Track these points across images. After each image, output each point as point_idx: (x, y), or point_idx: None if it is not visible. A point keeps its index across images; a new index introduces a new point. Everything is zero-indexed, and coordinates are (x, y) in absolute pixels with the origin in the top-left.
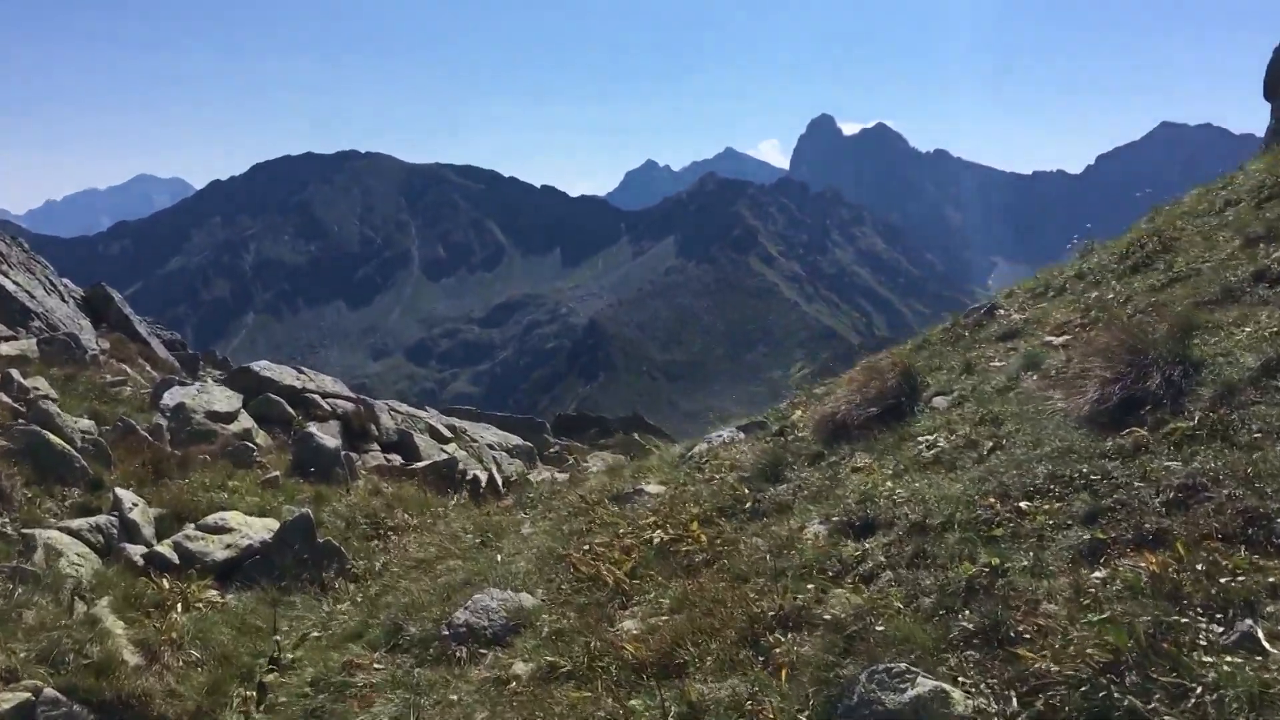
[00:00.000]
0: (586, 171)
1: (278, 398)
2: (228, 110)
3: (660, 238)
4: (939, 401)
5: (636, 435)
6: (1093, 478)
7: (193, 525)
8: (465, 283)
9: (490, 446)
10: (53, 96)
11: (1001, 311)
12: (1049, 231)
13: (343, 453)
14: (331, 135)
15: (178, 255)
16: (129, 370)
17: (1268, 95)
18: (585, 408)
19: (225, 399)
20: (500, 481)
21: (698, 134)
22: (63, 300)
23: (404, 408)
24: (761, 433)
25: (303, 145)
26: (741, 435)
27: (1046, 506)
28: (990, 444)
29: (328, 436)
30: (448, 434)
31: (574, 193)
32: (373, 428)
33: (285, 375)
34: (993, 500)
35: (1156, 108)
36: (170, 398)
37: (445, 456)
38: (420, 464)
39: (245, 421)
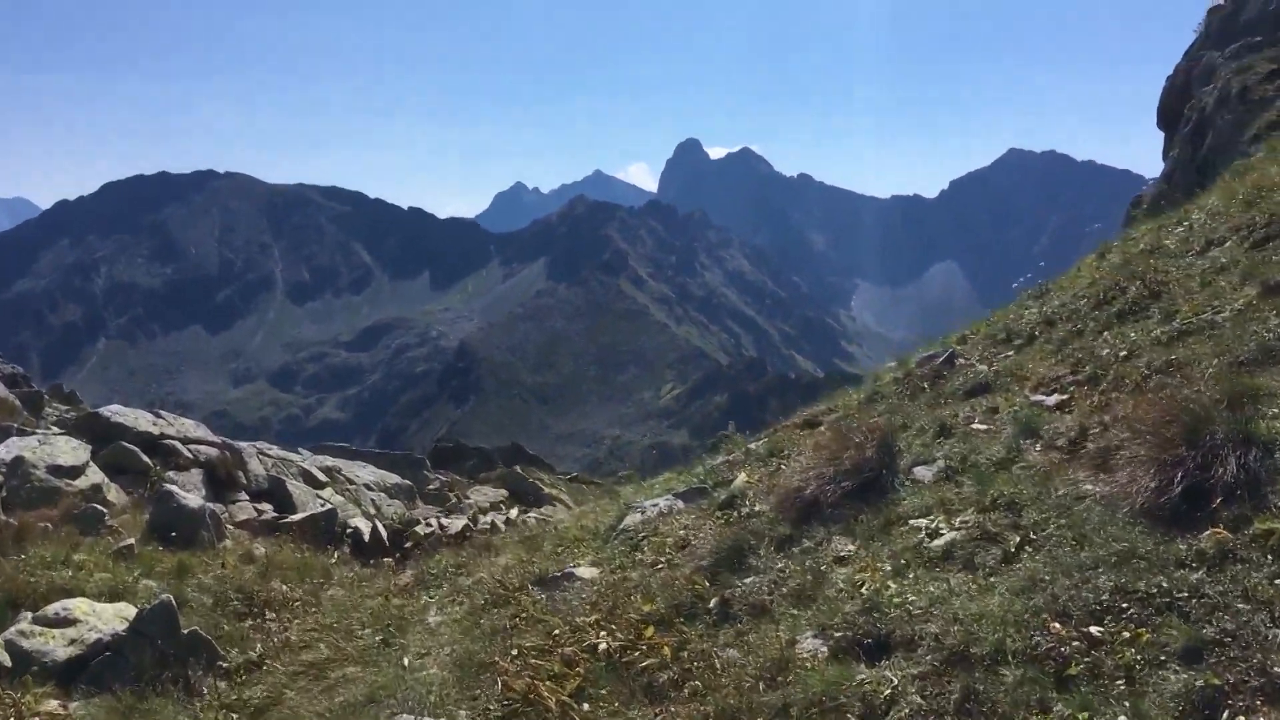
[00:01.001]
0: (455, 193)
1: (132, 446)
2: (75, 128)
3: (530, 260)
4: (921, 473)
5: (519, 468)
6: (1177, 594)
7: (29, 617)
8: (331, 306)
9: (368, 487)
10: None
11: (962, 360)
12: (908, 254)
13: (208, 510)
14: (188, 155)
15: (22, 278)
16: None
17: (1161, 125)
18: (457, 432)
19: (71, 450)
20: (384, 534)
21: (567, 156)
22: None
23: (274, 450)
24: (704, 502)
25: (157, 165)
26: (680, 504)
27: (1126, 634)
28: (1017, 539)
29: (190, 494)
30: (322, 477)
31: (442, 214)
32: (240, 475)
33: (140, 420)
34: (1051, 622)
35: (1005, 134)
36: (6, 451)
37: (323, 507)
38: (296, 516)
39: (95, 476)
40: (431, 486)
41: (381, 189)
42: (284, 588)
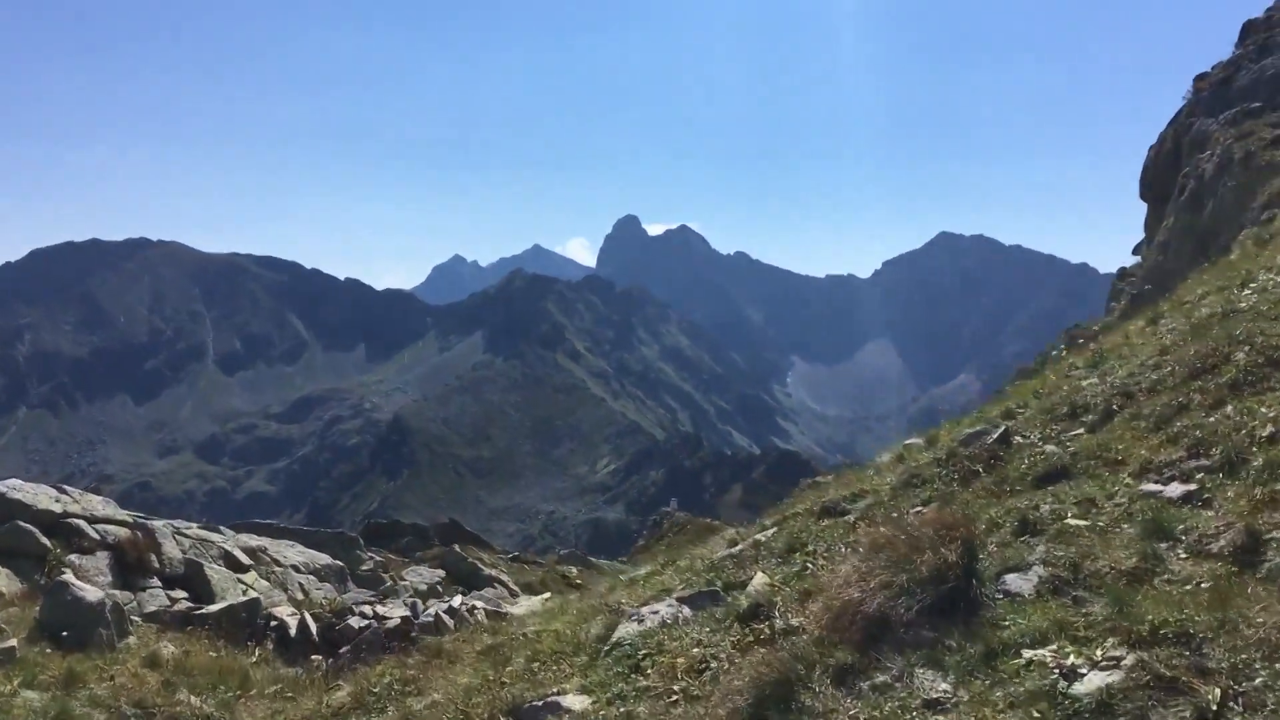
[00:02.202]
0: (393, 265)
1: (29, 527)
2: (1, 193)
3: (468, 333)
4: (1015, 583)
5: (457, 547)
6: None
7: None
8: (263, 376)
9: (296, 569)
10: None
11: (1020, 439)
12: (841, 332)
13: (108, 604)
14: (120, 221)
15: None
16: None
17: (1143, 196)
18: (389, 506)
19: None
20: (314, 627)
21: (505, 230)
22: None
23: (193, 530)
24: (718, 610)
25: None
26: (687, 610)
27: None
28: (1215, 690)
29: (87, 587)
30: (245, 560)
31: (380, 286)
32: (153, 559)
33: (41, 498)
34: None
35: (936, 217)
36: None
37: (243, 597)
38: (213, 607)
39: None
40: (365, 567)
41: (318, 259)
42: (192, 700)
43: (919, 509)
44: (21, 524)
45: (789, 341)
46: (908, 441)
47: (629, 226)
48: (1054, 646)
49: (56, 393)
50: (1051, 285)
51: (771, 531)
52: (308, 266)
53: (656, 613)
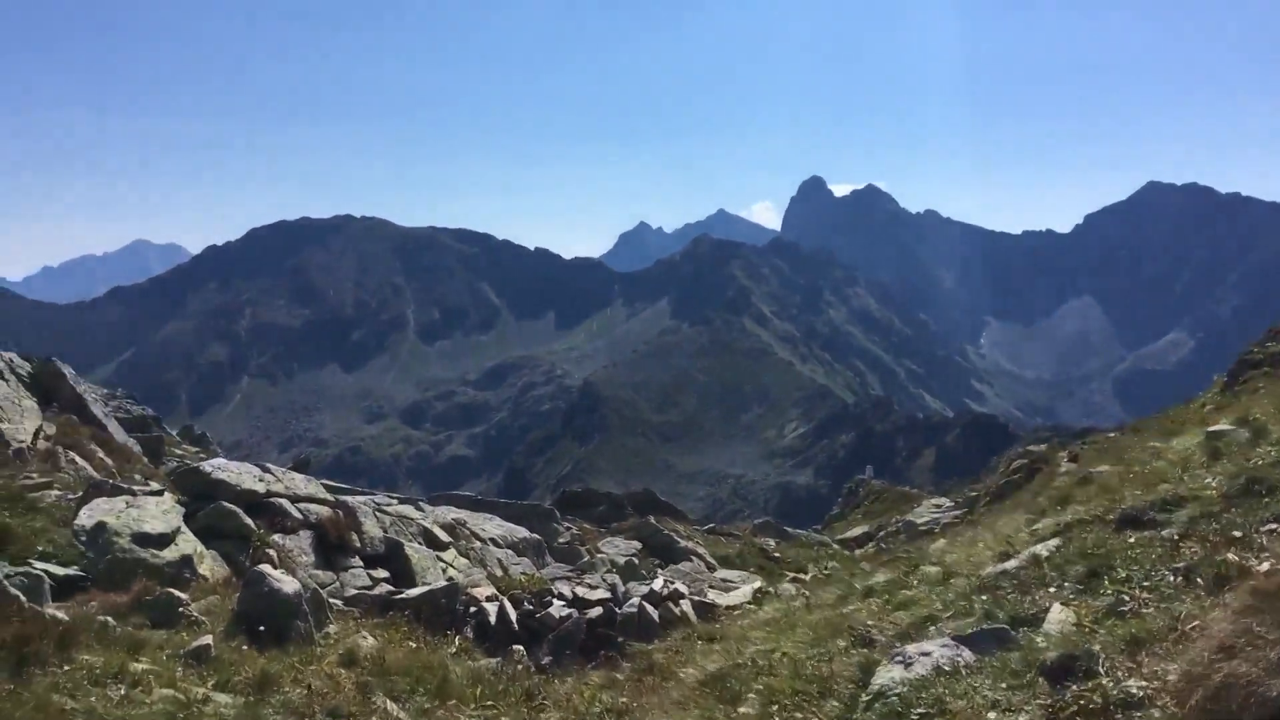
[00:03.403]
0: (580, 234)
1: (233, 507)
2: (223, 175)
3: (654, 299)
4: None
5: (652, 518)
6: None
7: None
8: (460, 345)
9: (494, 542)
10: (50, 162)
11: None
12: (1039, 290)
13: (305, 595)
14: (328, 199)
15: (173, 320)
16: (77, 459)
17: None
18: (581, 470)
19: (162, 514)
20: (513, 615)
21: (690, 196)
22: (2, 379)
23: (394, 507)
24: (1011, 657)
25: (299, 210)
26: (968, 654)
27: None
28: None
29: (284, 577)
30: (444, 536)
31: (568, 255)
32: (354, 538)
33: (244, 477)
34: None
35: (1144, 166)
36: (88, 516)
37: (443, 578)
38: (413, 592)
39: (186, 545)
40: (561, 540)
41: (509, 230)
42: (389, 707)
43: (1272, 527)
44: (225, 504)
45: (983, 301)
46: (1212, 427)
47: (814, 188)
48: None
49: (274, 363)
50: (1272, 235)
51: (1054, 544)
52: (499, 238)
53: (928, 655)
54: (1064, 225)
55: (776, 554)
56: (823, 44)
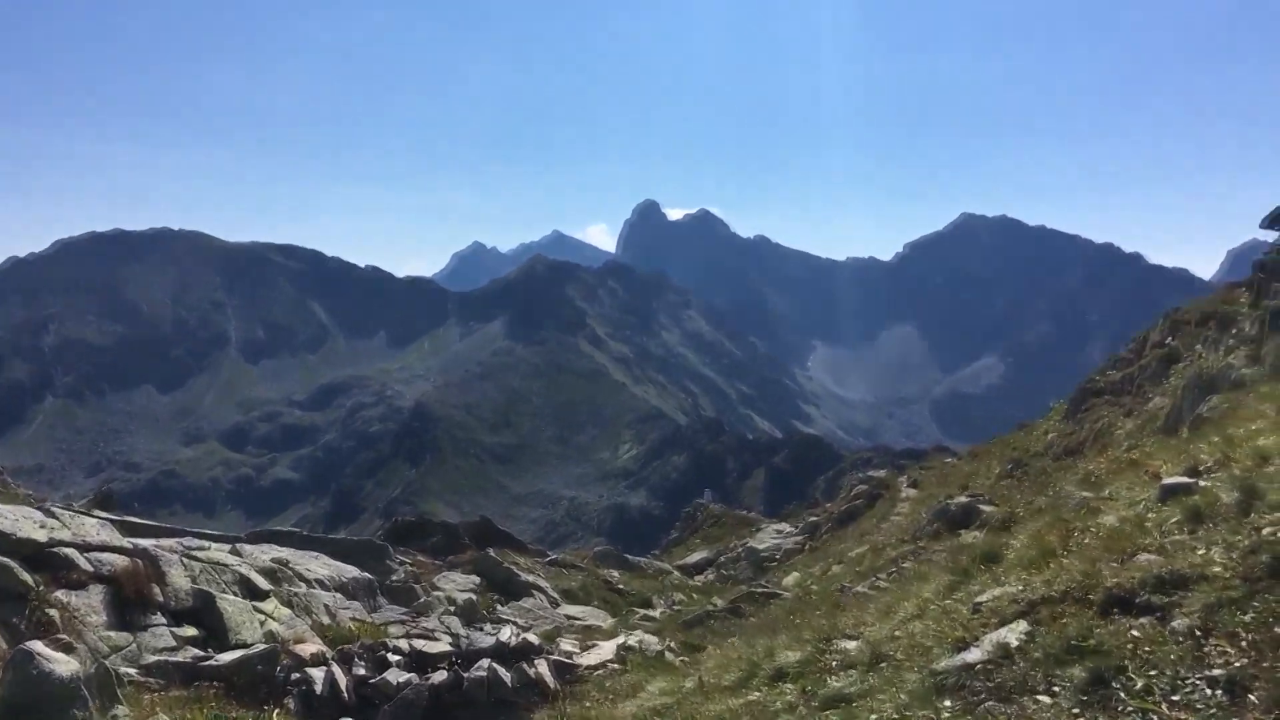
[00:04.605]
0: (413, 253)
1: (8, 561)
2: (27, 184)
3: (488, 320)
4: None
5: (491, 551)
6: None
7: None
8: (286, 365)
9: (321, 584)
10: None
11: None
12: (864, 316)
13: (85, 677)
14: (145, 211)
15: None
16: None
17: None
18: (412, 492)
19: None
20: (344, 684)
21: (525, 217)
22: None
23: (206, 551)
24: None
25: (112, 221)
26: None
27: None
28: None
29: (58, 656)
30: (264, 584)
31: (400, 273)
32: (156, 591)
33: (24, 524)
34: None
35: (959, 198)
36: None
37: (261, 644)
38: (225, 658)
39: None
40: (395, 578)
41: (339, 248)
42: None
43: None
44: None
45: (810, 325)
46: (1168, 480)
47: (649, 211)
48: None
49: (82, 382)
50: (1076, 266)
51: (1022, 629)
52: (329, 255)
53: None
54: (886, 253)
55: (621, 585)
56: (661, 73)
